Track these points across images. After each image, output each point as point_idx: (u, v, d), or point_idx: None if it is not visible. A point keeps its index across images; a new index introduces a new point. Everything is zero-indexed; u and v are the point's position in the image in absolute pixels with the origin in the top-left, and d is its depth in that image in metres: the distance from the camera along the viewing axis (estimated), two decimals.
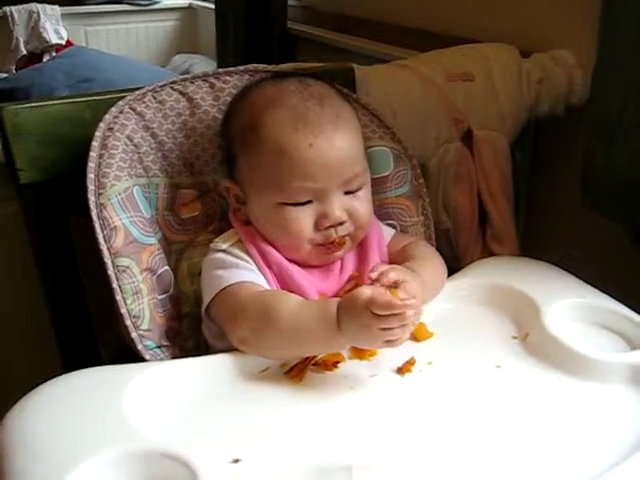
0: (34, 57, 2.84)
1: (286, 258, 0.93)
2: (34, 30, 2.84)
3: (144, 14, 3.22)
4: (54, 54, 2.78)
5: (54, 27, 2.85)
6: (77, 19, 3.08)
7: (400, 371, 0.85)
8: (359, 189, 0.93)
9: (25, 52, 2.84)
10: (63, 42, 2.88)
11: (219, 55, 2.58)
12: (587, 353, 0.85)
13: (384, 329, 0.77)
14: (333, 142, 0.88)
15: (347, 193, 0.91)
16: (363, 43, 1.91)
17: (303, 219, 0.90)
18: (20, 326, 1.37)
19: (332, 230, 0.91)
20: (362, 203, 0.93)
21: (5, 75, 2.66)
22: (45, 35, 2.82)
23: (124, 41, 3.16)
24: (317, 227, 0.90)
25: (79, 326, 1.08)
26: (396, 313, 0.76)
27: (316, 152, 0.87)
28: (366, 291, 0.79)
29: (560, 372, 0.85)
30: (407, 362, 0.86)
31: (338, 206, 0.90)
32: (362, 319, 0.77)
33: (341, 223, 0.91)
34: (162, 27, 3.26)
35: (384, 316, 0.76)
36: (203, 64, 2.89)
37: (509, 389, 0.83)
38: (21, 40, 2.82)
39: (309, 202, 0.90)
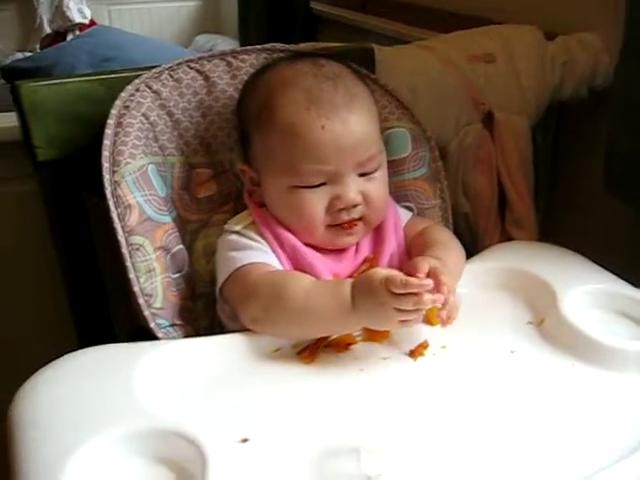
0: (58, 36, 2.84)
1: (301, 241, 0.92)
2: (58, 9, 2.85)
3: None
4: (77, 33, 2.78)
5: (78, 6, 2.86)
6: None
7: (412, 354, 0.84)
8: (374, 171, 0.92)
9: (49, 31, 2.85)
10: (87, 21, 2.89)
11: (241, 35, 2.57)
12: (603, 340, 0.83)
13: (399, 310, 0.76)
14: (347, 124, 0.87)
15: (362, 175, 0.91)
16: (385, 23, 1.90)
17: (316, 202, 0.89)
18: (38, 303, 1.38)
19: (344, 212, 0.90)
20: (377, 186, 0.92)
21: (29, 54, 2.67)
22: (69, 14, 2.83)
23: (147, 21, 3.16)
24: (330, 209, 0.90)
25: (95, 304, 1.09)
26: (413, 292, 0.75)
27: (329, 134, 0.87)
28: (382, 271, 0.79)
29: (576, 359, 0.83)
30: (420, 345, 0.85)
31: (353, 188, 0.89)
32: (378, 297, 0.77)
33: (354, 205, 0.90)
34: (185, 7, 3.25)
35: (400, 295, 0.75)
36: (225, 44, 2.87)
37: (523, 375, 0.82)
38: (45, 19, 2.84)
39: (322, 184, 0.89)
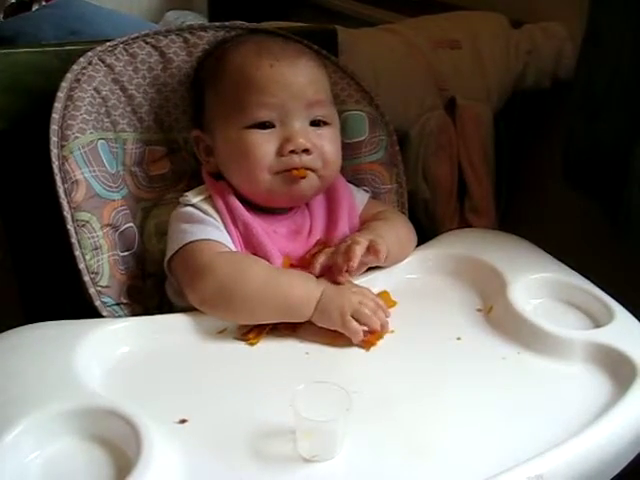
0: (22, 6, 2.76)
1: (250, 207, 0.92)
2: None
3: None
4: (43, 3, 2.71)
5: None
6: None
7: (365, 343, 0.83)
8: (325, 122, 0.92)
9: (13, 0, 2.78)
10: None
11: (210, 13, 2.53)
12: (549, 329, 0.84)
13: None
14: (295, 65, 0.91)
15: (313, 125, 0.91)
16: (352, 5, 1.88)
17: (265, 143, 0.89)
18: None
19: (295, 156, 0.89)
20: (329, 140, 0.92)
21: None
22: None
23: None
24: (280, 153, 0.89)
25: (43, 280, 1.07)
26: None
27: (277, 71, 0.89)
28: (353, 299, 0.83)
29: (521, 347, 0.84)
30: (373, 335, 0.84)
31: (302, 132, 0.89)
32: (343, 323, 0.82)
33: (306, 151, 0.89)
34: None
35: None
36: (196, 21, 2.82)
37: (468, 361, 0.82)
38: None
39: (272, 127, 0.89)
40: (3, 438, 0.64)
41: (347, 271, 0.86)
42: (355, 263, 0.85)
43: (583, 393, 0.78)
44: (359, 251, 0.86)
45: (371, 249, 0.87)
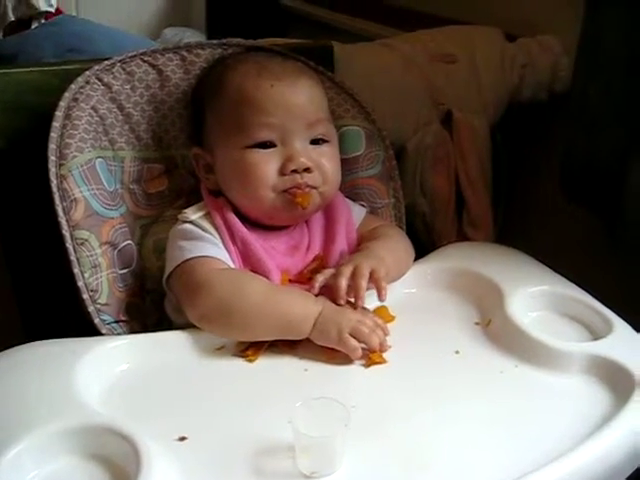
0: (22, 24, 2.78)
1: (248, 224, 0.92)
2: None
3: None
4: (43, 21, 2.73)
5: None
6: None
7: (366, 361, 0.83)
8: (325, 142, 0.93)
9: (13, 18, 2.79)
10: (53, 10, 2.81)
11: (209, 30, 2.55)
12: (547, 342, 0.84)
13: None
14: (295, 85, 0.91)
15: (313, 143, 0.92)
16: (350, 21, 1.89)
17: (266, 163, 0.90)
18: None
19: (297, 175, 0.90)
20: (329, 158, 0.93)
21: None
22: (34, 1, 2.76)
23: (115, 12, 3.10)
24: (282, 172, 0.90)
25: (43, 299, 1.07)
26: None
27: (277, 91, 0.90)
28: (352, 317, 0.83)
29: (519, 360, 0.84)
30: (374, 354, 0.83)
31: (303, 151, 0.90)
32: (341, 340, 0.82)
33: (307, 169, 0.90)
34: None
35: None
36: (194, 38, 2.85)
37: (466, 375, 0.82)
38: (9, 5, 2.76)
39: (273, 146, 0.90)
40: (3, 456, 0.64)
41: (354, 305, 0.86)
42: (363, 300, 0.86)
43: (581, 406, 0.78)
44: (364, 284, 0.86)
45: (372, 279, 0.87)
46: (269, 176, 0.89)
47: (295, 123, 0.90)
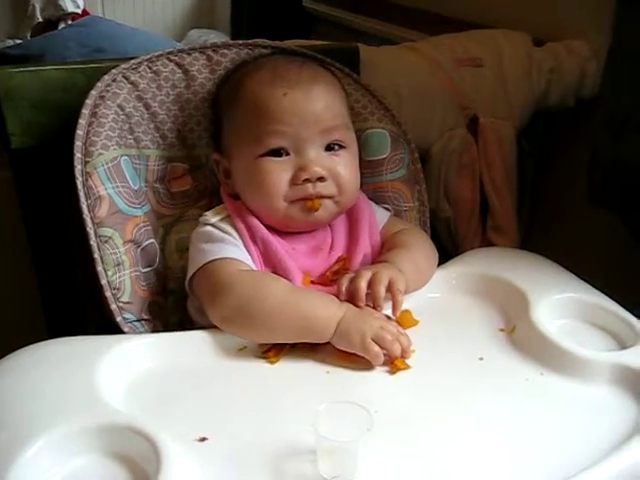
0: (50, 25, 2.81)
1: (268, 227, 0.91)
2: None
3: None
4: (70, 22, 2.76)
5: None
6: None
7: (390, 367, 0.82)
8: (341, 147, 0.92)
9: (41, 19, 2.82)
10: (79, 11, 2.85)
11: (233, 31, 2.56)
12: (572, 350, 0.82)
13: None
14: (309, 93, 0.90)
15: (328, 150, 0.91)
16: (375, 24, 1.89)
17: (279, 172, 0.89)
18: (9, 293, 1.36)
19: (309, 185, 0.89)
20: (344, 165, 0.92)
21: (19, 42, 2.64)
22: (61, 3, 2.79)
23: (141, 14, 3.13)
24: (294, 181, 0.89)
25: (66, 295, 1.07)
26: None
27: (290, 99, 0.89)
28: (375, 323, 0.82)
29: (544, 368, 0.83)
30: (399, 360, 0.82)
31: (316, 160, 0.89)
32: (364, 346, 0.81)
33: (320, 179, 0.89)
34: (179, 1, 3.23)
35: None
36: (218, 40, 2.86)
37: (490, 382, 0.81)
38: (37, 7, 2.80)
39: (287, 155, 0.89)
40: (24, 453, 0.64)
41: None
42: (382, 307, 0.85)
43: (608, 416, 0.76)
44: (383, 290, 0.85)
45: (389, 289, 0.86)
46: (281, 185, 0.89)
47: (308, 131, 0.89)
